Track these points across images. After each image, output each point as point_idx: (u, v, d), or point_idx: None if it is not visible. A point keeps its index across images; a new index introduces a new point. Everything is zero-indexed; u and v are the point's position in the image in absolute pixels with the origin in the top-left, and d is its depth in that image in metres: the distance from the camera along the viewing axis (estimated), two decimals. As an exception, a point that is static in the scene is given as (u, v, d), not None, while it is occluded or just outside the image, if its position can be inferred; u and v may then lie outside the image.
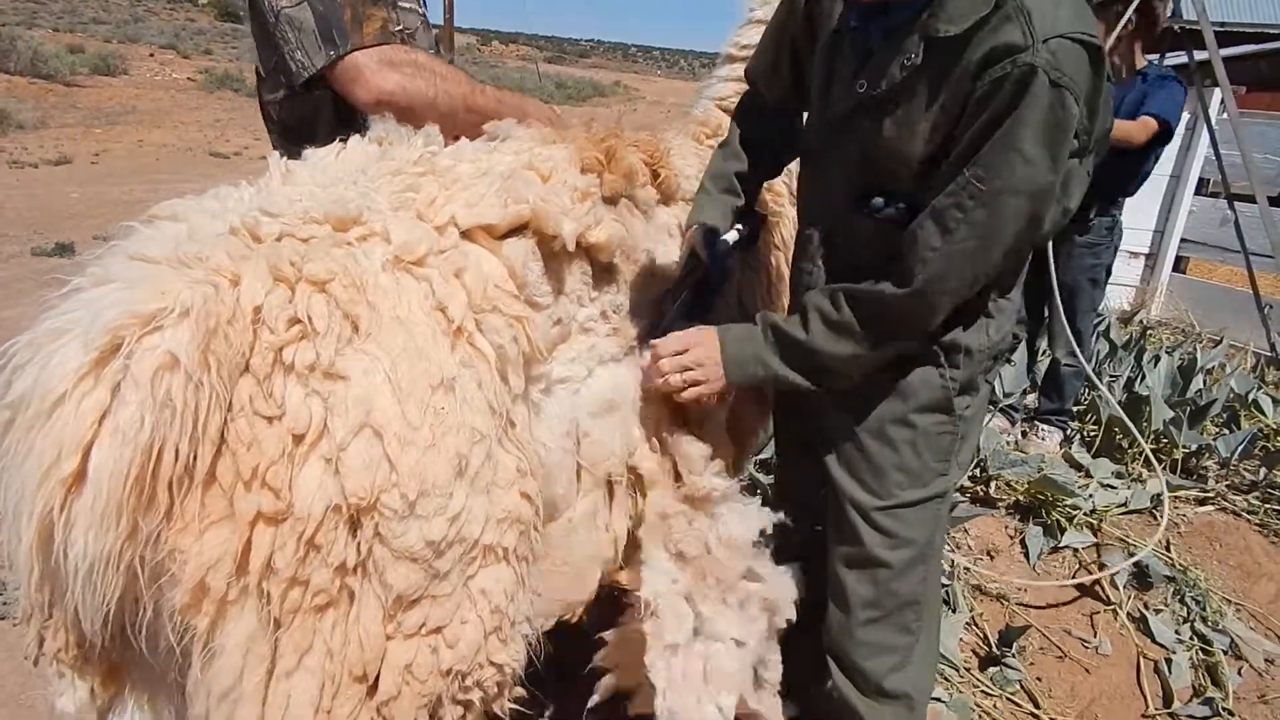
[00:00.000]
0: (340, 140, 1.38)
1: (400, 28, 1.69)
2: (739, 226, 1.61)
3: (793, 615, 1.53)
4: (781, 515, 1.52)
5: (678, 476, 1.52)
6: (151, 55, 20.64)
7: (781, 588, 1.50)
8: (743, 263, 1.80)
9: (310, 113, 1.71)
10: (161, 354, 0.92)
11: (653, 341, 1.46)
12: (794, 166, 1.72)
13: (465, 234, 1.20)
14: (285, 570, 0.96)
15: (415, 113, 1.57)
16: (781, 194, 1.97)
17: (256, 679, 0.99)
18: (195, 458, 0.96)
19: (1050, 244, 3.36)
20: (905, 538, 1.48)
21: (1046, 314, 3.76)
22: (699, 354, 1.41)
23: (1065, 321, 3.46)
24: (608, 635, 1.55)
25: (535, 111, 1.78)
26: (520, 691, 1.23)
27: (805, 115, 1.59)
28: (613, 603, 1.57)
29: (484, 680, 1.09)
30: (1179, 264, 6.09)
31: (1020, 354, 3.51)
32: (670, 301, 1.55)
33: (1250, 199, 5.63)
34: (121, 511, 0.92)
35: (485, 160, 1.35)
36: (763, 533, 1.54)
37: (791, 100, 1.60)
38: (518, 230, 1.28)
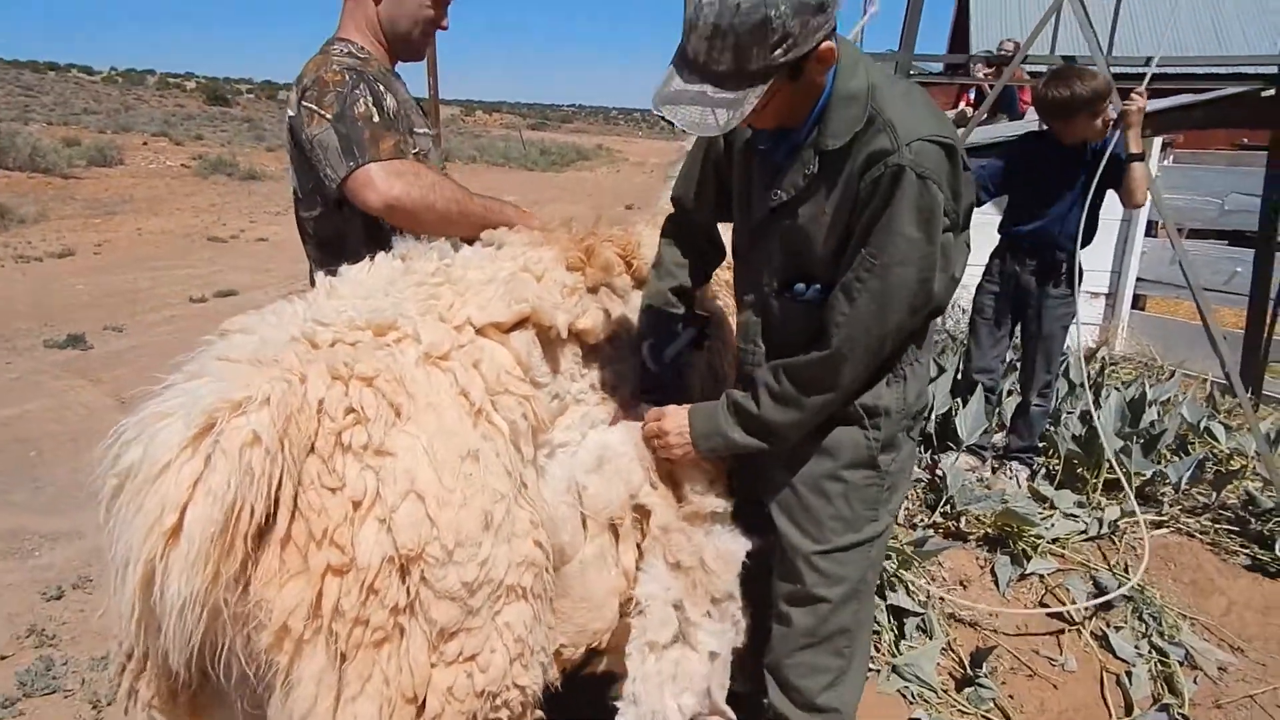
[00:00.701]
0: (369, 256, 1.67)
1: (416, 150, 2.00)
2: (684, 331, 1.85)
3: (745, 638, 1.77)
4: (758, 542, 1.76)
5: (680, 499, 1.75)
6: (145, 144, 21.26)
7: (743, 612, 1.75)
8: (709, 348, 2.04)
9: (341, 227, 2.01)
10: (247, 432, 1.17)
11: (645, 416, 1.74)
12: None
13: (479, 331, 1.48)
14: (350, 612, 1.20)
15: (417, 216, 1.86)
16: None
17: (328, 704, 1.22)
18: (269, 518, 1.19)
19: (1028, 298, 3.69)
20: (839, 576, 1.71)
21: (1013, 359, 4.07)
22: (668, 425, 1.68)
23: (1038, 367, 3.78)
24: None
25: (513, 214, 2.05)
26: (540, 714, 1.45)
27: (732, 225, 1.84)
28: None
29: (510, 700, 1.33)
30: (1137, 301, 6.44)
31: (977, 398, 3.79)
32: (641, 392, 1.80)
33: (1199, 237, 6.02)
34: (208, 559, 1.13)
35: (490, 267, 1.63)
36: (748, 554, 1.78)
37: (716, 215, 1.87)
38: (520, 324, 1.56)
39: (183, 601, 1.13)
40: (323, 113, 1.88)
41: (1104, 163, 3.43)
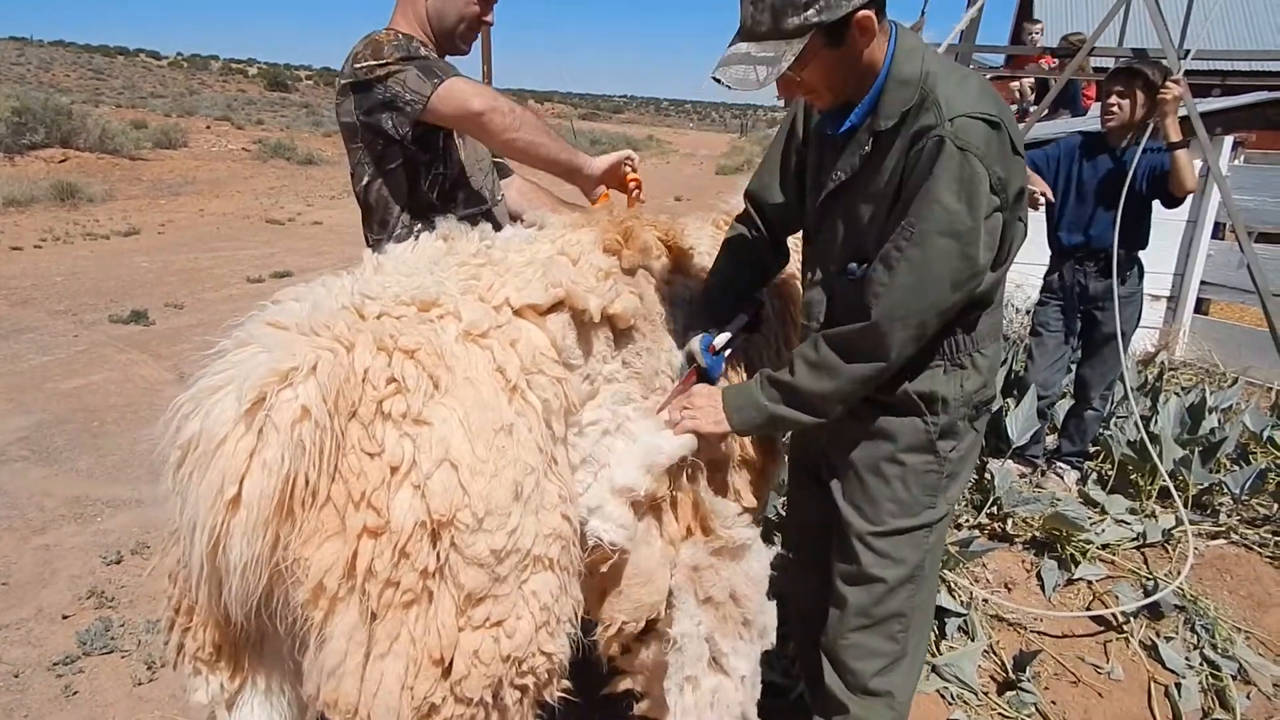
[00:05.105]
0: (409, 226, 1.69)
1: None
2: (735, 319, 1.86)
3: (774, 640, 1.77)
4: (779, 546, 1.80)
5: (706, 530, 1.72)
6: (208, 128, 21.83)
7: (771, 616, 1.75)
8: (770, 330, 2.07)
9: (387, 196, 2.10)
10: (296, 407, 1.20)
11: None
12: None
13: (517, 312, 1.49)
14: (382, 573, 1.22)
15: (510, 127, 1.98)
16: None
17: (357, 660, 1.24)
18: (319, 484, 1.22)
19: (1095, 302, 3.65)
20: (896, 558, 1.73)
21: (1074, 365, 4.00)
22: (700, 401, 1.68)
23: (1105, 371, 3.72)
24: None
25: (581, 162, 2.18)
26: (567, 683, 1.46)
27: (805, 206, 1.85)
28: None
29: (537, 667, 1.34)
30: (1200, 305, 6.21)
31: (1029, 399, 3.71)
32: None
33: (1270, 240, 5.77)
34: (267, 525, 1.19)
35: (529, 250, 1.65)
36: (771, 565, 1.78)
37: (796, 209, 1.85)
38: (556, 306, 1.56)
39: (244, 563, 1.19)
40: (385, 61, 1.96)
41: (1137, 160, 3.43)
